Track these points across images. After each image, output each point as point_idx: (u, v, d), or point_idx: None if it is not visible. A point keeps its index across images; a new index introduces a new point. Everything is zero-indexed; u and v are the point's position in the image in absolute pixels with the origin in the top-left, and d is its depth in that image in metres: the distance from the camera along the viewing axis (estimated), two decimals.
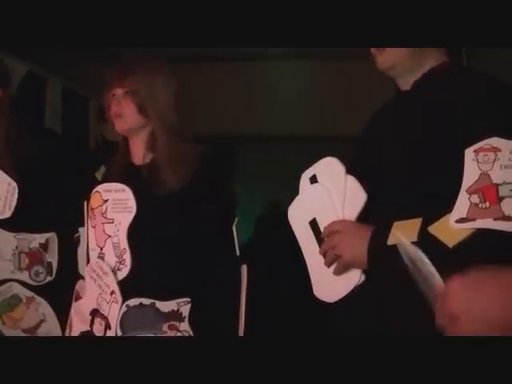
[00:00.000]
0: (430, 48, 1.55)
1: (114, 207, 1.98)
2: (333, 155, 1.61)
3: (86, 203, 2.06)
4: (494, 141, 1.36)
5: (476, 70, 1.59)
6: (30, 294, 2.16)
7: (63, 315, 2.09)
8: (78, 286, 2.09)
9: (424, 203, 1.44)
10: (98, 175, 2.09)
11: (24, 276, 2.15)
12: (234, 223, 2.01)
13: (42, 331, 2.14)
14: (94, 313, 1.94)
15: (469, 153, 1.38)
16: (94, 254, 1.99)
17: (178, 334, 1.91)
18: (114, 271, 1.93)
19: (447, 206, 1.39)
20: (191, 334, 1.91)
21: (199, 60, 5.03)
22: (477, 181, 1.36)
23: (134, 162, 2.06)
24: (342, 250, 1.49)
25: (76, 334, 1.97)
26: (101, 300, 1.94)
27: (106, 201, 1.99)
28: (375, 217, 1.50)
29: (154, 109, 1.98)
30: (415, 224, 1.41)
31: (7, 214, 2.11)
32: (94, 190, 2.02)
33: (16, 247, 2.15)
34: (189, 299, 1.92)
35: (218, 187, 2.04)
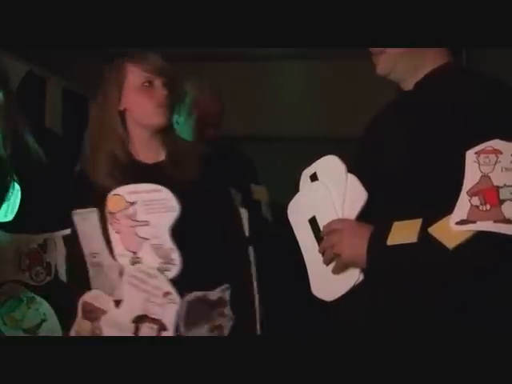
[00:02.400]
0: (430, 49, 1.55)
1: (146, 209, 1.90)
2: (335, 155, 1.61)
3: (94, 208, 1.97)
4: (496, 143, 1.36)
5: (476, 71, 1.59)
6: (30, 294, 2.16)
7: (63, 315, 2.08)
8: (89, 298, 1.97)
9: (424, 204, 1.44)
10: None
11: (25, 277, 2.15)
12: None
13: (43, 331, 2.14)
14: (140, 319, 1.87)
15: (470, 155, 1.38)
16: (124, 260, 1.91)
17: (225, 320, 1.95)
18: (162, 272, 1.87)
19: (447, 208, 1.39)
20: (232, 317, 1.96)
21: (199, 60, 5.02)
22: (478, 183, 1.36)
23: (141, 160, 2.02)
24: (341, 248, 1.49)
25: None
26: (149, 304, 1.87)
27: (132, 203, 1.90)
28: (375, 216, 1.50)
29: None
30: (415, 225, 1.41)
31: (9, 218, 2.10)
32: (112, 193, 1.92)
33: (16, 248, 2.14)
34: (228, 285, 1.95)
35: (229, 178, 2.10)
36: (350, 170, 1.56)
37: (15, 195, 2.04)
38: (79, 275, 2.01)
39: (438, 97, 1.52)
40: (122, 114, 2.02)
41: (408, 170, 1.50)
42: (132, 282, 1.90)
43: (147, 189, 1.90)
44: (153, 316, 1.86)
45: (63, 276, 2.12)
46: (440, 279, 1.42)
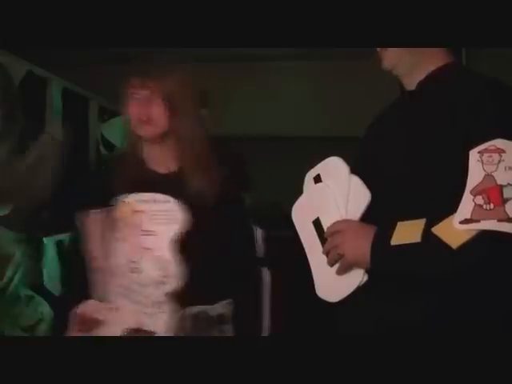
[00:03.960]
0: (433, 48, 1.55)
1: (154, 219, 1.88)
2: (336, 155, 1.61)
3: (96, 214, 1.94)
4: (499, 142, 1.36)
5: (477, 70, 1.59)
6: (30, 292, 2.16)
7: (62, 314, 2.05)
8: (84, 308, 1.91)
9: (427, 204, 1.44)
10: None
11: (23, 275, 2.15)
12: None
13: (41, 330, 2.14)
14: (135, 332, 1.85)
15: (473, 154, 1.38)
16: (124, 270, 1.89)
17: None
18: (158, 284, 1.85)
19: (450, 207, 1.39)
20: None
21: (199, 60, 5.02)
22: (481, 182, 1.36)
23: (155, 169, 1.96)
24: (345, 249, 1.49)
25: None
26: (142, 316, 1.86)
27: (138, 212, 1.88)
28: (378, 217, 1.50)
29: (186, 112, 1.90)
30: (419, 225, 1.41)
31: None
32: (121, 200, 1.90)
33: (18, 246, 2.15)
34: (230, 300, 1.91)
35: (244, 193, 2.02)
36: (352, 170, 1.56)
37: None
38: (79, 280, 1.96)
39: (440, 97, 1.52)
40: None
41: (410, 169, 1.50)
42: (124, 293, 1.88)
43: (156, 198, 1.88)
44: (146, 328, 1.84)
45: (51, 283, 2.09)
46: (444, 278, 1.42)
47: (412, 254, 1.42)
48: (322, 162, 1.63)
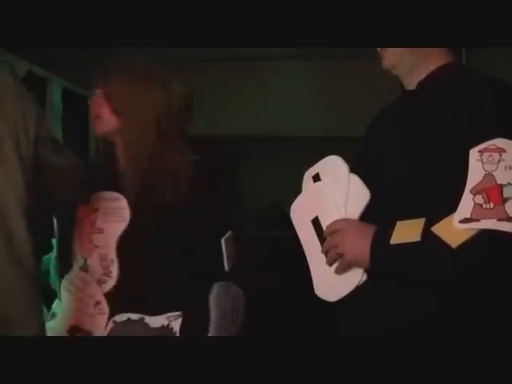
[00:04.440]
0: (433, 48, 1.55)
1: (105, 216, 1.88)
2: (336, 155, 1.61)
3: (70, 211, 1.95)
4: (499, 141, 1.36)
5: (477, 70, 1.59)
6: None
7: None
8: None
9: (427, 203, 1.44)
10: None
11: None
12: (224, 237, 1.87)
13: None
14: (73, 329, 1.84)
15: (473, 153, 1.38)
16: (75, 266, 1.90)
17: None
18: (99, 283, 1.84)
19: (450, 207, 1.39)
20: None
21: (200, 61, 5.02)
22: (481, 181, 1.36)
23: (118, 167, 1.94)
24: (344, 248, 1.49)
25: None
26: (82, 314, 1.84)
27: (96, 209, 1.89)
28: (378, 216, 1.50)
29: (131, 112, 1.87)
30: (418, 224, 1.41)
31: None
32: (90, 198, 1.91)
33: None
34: (179, 313, 1.80)
35: (214, 200, 1.89)
36: (352, 169, 1.56)
37: None
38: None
39: (440, 96, 1.52)
40: None
41: (410, 169, 1.50)
42: (69, 290, 1.89)
43: (110, 196, 1.89)
44: (85, 328, 1.82)
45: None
46: (444, 278, 1.42)
47: (412, 254, 1.42)
48: (321, 161, 1.62)
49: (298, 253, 1.64)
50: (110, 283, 1.84)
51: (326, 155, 1.62)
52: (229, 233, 1.89)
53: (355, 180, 1.53)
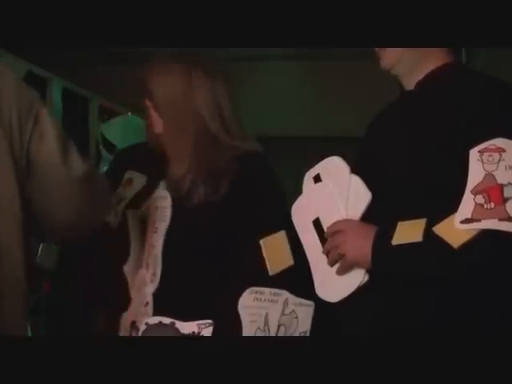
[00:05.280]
0: (432, 48, 1.55)
1: (157, 215, 1.84)
2: (337, 155, 1.60)
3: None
4: (499, 141, 1.36)
5: (476, 71, 1.59)
6: None
7: None
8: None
9: (427, 203, 1.44)
10: None
11: None
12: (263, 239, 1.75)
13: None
14: (132, 325, 1.83)
15: (473, 153, 1.38)
16: (139, 264, 1.86)
17: None
18: (148, 283, 1.81)
19: (451, 207, 1.39)
20: None
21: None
22: (482, 181, 1.36)
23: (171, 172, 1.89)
24: (345, 249, 1.49)
25: None
26: (137, 312, 1.83)
27: (155, 208, 1.85)
28: (378, 217, 1.50)
29: (173, 116, 1.85)
30: (420, 224, 1.41)
31: None
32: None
33: None
34: (210, 321, 1.74)
35: (254, 203, 1.80)
36: (352, 169, 1.56)
37: None
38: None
39: (439, 96, 1.52)
40: None
41: (410, 169, 1.50)
42: (135, 287, 1.87)
43: (159, 195, 1.86)
44: (138, 325, 1.81)
45: None
46: (445, 278, 1.42)
47: (413, 254, 1.42)
48: (322, 162, 1.62)
49: (299, 253, 1.64)
50: (155, 285, 1.81)
51: (326, 155, 1.62)
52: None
53: (356, 180, 1.53)
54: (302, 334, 1.71)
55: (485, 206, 1.35)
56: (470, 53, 2.89)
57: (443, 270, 1.41)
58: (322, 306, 1.63)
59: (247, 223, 1.77)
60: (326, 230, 1.55)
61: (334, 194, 1.55)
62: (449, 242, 1.37)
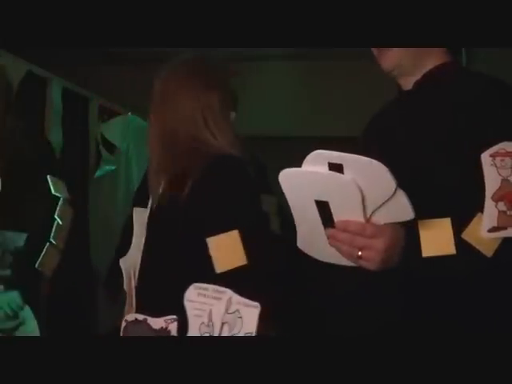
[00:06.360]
0: (431, 48, 1.55)
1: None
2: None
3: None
4: (507, 145, 1.34)
5: (476, 71, 1.59)
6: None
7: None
8: None
9: (427, 203, 1.44)
10: None
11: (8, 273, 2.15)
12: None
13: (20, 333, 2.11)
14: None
15: (486, 157, 1.35)
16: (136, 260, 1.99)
17: None
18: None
19: (450, 207, 1.39)
20: None
21: None
22: (500, 187, 1.34)
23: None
24: (371, 257, 1.38)
25: None
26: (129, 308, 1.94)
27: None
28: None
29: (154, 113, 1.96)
30: (446, 231, 1.37)
31: None
32: None
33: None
34: (175, 317, 1.73)
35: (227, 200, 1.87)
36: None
37: None
38: None
39: (438, 96, 1.52)
40: None
41: (409, 169, 1.50)
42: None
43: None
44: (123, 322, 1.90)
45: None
46: (476, 284, 1.40)
47: (446, 266, 1.38)
48: (352, 157, 1.38)
49: (296, 251, 1.63)
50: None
51: None
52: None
53: (401, 194, 1.37)
54: (247, 335, 1.72)
55: (508, 212, 1.32)
56: (470, 53, 2.89)
57: (478, 279, 1.39)
58: (319, 307, 1.62)
59: (208, 222, 1.82)
60: (334, 217, 1.40)
61: (361, 194, 1.36)
62: (481, 250, 1.34)
